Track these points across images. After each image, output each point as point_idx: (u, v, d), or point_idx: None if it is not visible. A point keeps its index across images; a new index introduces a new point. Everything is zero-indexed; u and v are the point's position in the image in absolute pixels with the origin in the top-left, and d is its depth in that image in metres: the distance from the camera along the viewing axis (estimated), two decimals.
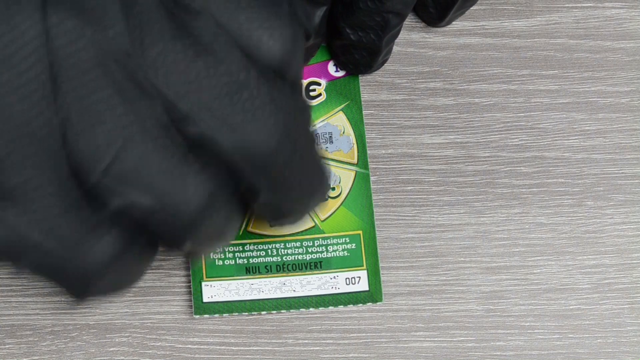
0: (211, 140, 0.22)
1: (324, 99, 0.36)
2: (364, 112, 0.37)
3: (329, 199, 0.35)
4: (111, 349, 0.35)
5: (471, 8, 0.37)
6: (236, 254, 0.35)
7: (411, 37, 0.37)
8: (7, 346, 0.35)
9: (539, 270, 0.36)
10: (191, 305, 0.35)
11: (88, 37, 0.21)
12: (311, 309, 0.35)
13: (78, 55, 0.21)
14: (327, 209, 0.35)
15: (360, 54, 0.34)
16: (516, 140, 0.37)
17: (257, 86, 0.22)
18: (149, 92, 0.22)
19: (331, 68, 0.36)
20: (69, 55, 0.21)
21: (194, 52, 0.22)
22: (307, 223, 0.35)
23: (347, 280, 0.35)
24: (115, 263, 0.23)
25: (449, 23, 0.37)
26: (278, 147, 0.23)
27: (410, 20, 0.37)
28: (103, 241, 0.22)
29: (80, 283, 0.23)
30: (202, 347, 0.35)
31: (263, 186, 0.24)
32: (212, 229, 0.24)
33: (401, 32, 0.37)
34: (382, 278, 0.35)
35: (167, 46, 0.22)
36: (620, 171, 0.37)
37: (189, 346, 0.35)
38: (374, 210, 0.36)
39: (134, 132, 0.21)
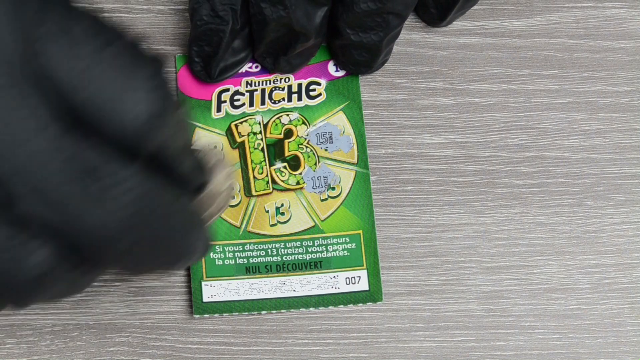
0: (42, 222, 0.21)
1: (324, 99, 0.36)
2: (364, 112, 0.37)
3: (329, 199, 0.35)
4: (111, 349, 0.35)
5: (471, 8, 0.37)
6: (236, 253, 0.35)
7: (411, 37, 0.37)
8: (7, 346, 0.35)
9: (539, 270, 0.36)
10: (191, 305, 0.35)
11: None
12: (311, 309, 0.35)
13: None
14: (327, 209, 0.35)
15: (361, 54, 0.34)
16: (516, 140, 0.37)
17: (99, 171, 0.20)
18: None
19: (331, 68, 0.36)
20: None
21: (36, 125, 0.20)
22: (306, 223, 0.35)
23: (347, 280, 0.35)
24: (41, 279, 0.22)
25: (449, 23, 0.37)
26: (118, 236, 0.21)
27: (410, 20, 0.37)
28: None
29: (16, 294, 0.22)
30: (202, 347, 0.35)
31: (107, 265, 0.23)
32: (57, 291, 0.23)
33: (401, 32, 0.37)
34: (382, 278, 0.35)
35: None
36: (620, 171, 0.37)
37: (189, 346, 0.35)
38: (374, 210, 0.36)
39: None
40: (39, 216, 0.20)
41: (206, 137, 0.36)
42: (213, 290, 0.35)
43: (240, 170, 0.36)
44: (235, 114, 0.36)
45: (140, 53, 0.21)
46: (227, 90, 0.36)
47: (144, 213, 0.21)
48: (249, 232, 0.35)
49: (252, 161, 0.36)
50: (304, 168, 0.36)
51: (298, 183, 0.35)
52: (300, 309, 0.35)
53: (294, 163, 0.36)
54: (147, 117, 0.21)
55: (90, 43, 0.20)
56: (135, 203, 0.21)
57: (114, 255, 0.22)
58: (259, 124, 0.36)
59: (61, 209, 0.20)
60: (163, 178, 0.22)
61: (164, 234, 0.23)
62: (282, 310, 0.35)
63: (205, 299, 0.34)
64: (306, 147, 0.36)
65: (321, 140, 0.36)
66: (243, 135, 0.36)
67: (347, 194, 0.35)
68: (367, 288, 0.35)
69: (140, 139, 0.21)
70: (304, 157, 0.36)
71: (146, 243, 0.22)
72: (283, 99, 0.36)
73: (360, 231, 0.35)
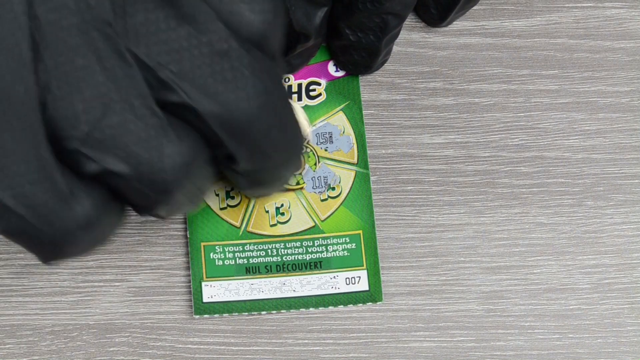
0: (191, 109, 0.23)
1: (324, 99, 0.36)
2: (364, 112, 0.37)
3: (329, 199, 0.35)
4: (111, 349, 0.35)
5: (471, 8, 0.37)
6: (236, 254, 0.35)
7: (411, 37, 0.37)
8: (7, 346, 0.35)
9: (539, 270, 0.36)
10: (191, 306, 0.35)
11: (70, 6, 0.22)
12: (311, 309, 0.35)
13: (60, 23, 0.21)
14: (327, 209, 0.35)
15: (360, 54, 0.34)
16: (516, 140, 0.37)
17: (237, 57, 0.23)
18: (129, 61, 0.22)
19: (331, 68, 0.36)
20: (51, 23, 0.21)
21: (176, 23, 0.22)
22: (306, 223, 0.35)
23: (347, 280, 0.35)
24: (86, 230, 0.23)
25: (449, 23, 0.37)
26: (257, 116, 0.23)
27: (410, 20, 0.37)
28: (76, 209, 0.23)
29: (50, 249, 0.24)
30: (202, 347, 0.35)
31: (241, 154, 0.24)
32: (185, 196, 0.24)
33: (401, 32, 0.37)
34: (382, 278, 0.35)
35: (149, 16, 0.22)
36: (620, 171, 0.37)
37: (189, 346, 0.35)
38: (374, 210, 0.36)
39: (114, 100, 0.22)
40: (189, 103, 0.22)
41: None
42: (213, 291, 0.35)
43: None
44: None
45: None
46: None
47: (271, 94, 0.23)
48: (248, 232, 0.35)
49: None
50: (304, 168, 0.36)
51: (298, 183, 0.35)
52: (300, 309, 0.35)
53: None
54: (272, 16, 0.24)
55: None
56: (266, 90, 0.23)
57: (252, 141, 0.24)
58: None
59: (208, 94, 0.22)
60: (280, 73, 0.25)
61: (286, 117, 0.24)
62: (282, 311, 0.35)
63: (205, 300, 0.34)
64: (306, 147, 0.36)
65: (321, 140, 0.36)
66: None
67: (347, 194, 0.35)
68: (367, 288, 0.35)
69: (265, 36, 0.24)
70: (303, 157, 0.36)
71: (276, 127, 0.24)
72: None
73: (360, 231, 0.35)
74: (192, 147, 0.23)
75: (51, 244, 0.23)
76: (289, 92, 0.36)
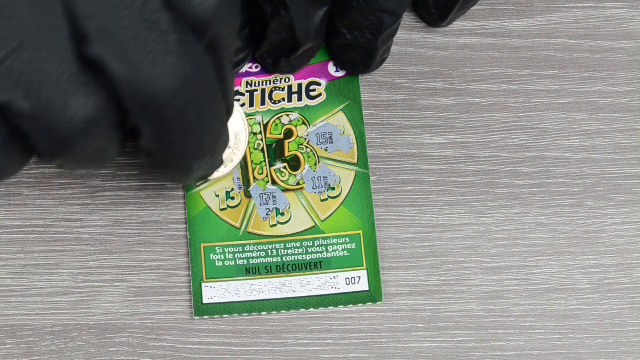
0: (106, 67, 0.22)
1: (324, 99, 0.36)
2: (364, 112, 0.37)
3: (329, 199, 0.35)
4: (111, 349, 0.35)
5: (471, 8, 0.37)
6: (236, 254, 0.35)
7: (411, 37, 0.37)
8: (7, 346, 0.35)
9: (539, 270, 0.36)
10: (191, 305, 0.35)
11: None
12: (311, 309, 0.35)
13: None
14: (327, 209, 0.35)
15: (357, 53, 0.34)
16: (516, 140, 0.37)
17: (166, 31, 0.22)
18: (56, 4, 0.22)
19: (331, 68, 0.36)
20: None
21: None
22: (306, 223, 0.35)
23: (347, 280, 0.35)
24: None
25: (449, 23, 0.37)
26: (170, 97, 0.23)
27: (410, 20, 0.37)
28: None
29: None
30: (202, 347, 0.35)
31: (146, 131, 0.24)
32: (85, 153, 0.24)
33: (401, 32, 0.37)
34: (382, 278, 0.35)
35: None
36: (620, 171, 0.37)
37: (189, 346, 0.35)
38: (374, 210, 0.36)
39: (32, 36, 0.22)
40: (104, 60, 0.22)
41: None
42: (213, 292, 0.35)
43: (240, 170, 0.36)
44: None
45: None
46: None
47: (193, 81, 0.23)
48: (248, 232, 0.35)
49: (252, 161, 0.36)
50: (304, 168, 0.36)
51: (298, 183, 0.35)
52: (300, 310, 0.35)
53: (294, 163, 0.36)
54: (221, 6, 0.23)
55: None
56: (187, 74, 0.23)
57: (160, 119, 0.23)
58: (259, 124, 0.36)
59: (125, 58, 0.22)
60: (213, 61, 0.24)
61: (205, 110, 0.24)
62: (282, 311, 0.35)
63: (205, 300, 0.34)
64: (306, 147, 0.36)
65: (321, 140, 0.36)
66: None
67: (347, 194, 0.35)
68: (367, 288, 0.35)
69: (207, 23, 0.23)
70: (303, 157, 0.36)
71: (189, 115, 0.24)
72: (283, 99, 0.36)
73: (360, 231, 0.35)
74: (99, 107, 0.23)
75: None
76: (289, 92, 0.36)
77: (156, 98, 0.23)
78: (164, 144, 0.25)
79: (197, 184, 0.32)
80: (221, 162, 0.29)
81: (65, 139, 0.23)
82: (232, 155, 0.30)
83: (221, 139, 0.27)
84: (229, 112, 0.28)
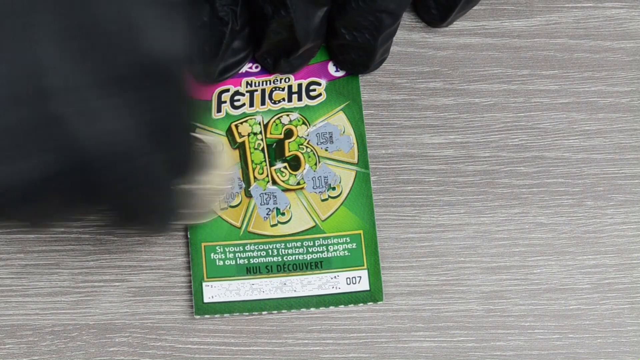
0: (64, 124, 0.21)
1: (324, 99, 0.36)
2: (364, 112, 0.37)
3: (330, 199, 0.35)
4: (111, 349, 0.35)
5: (471, 8, 0.37)
6: (237, 254, 0.35)
7: (411, 37, 0.37)
8: (7, 346, 0.35)
9: (539, 270, 0.36)
10: (192, 305, 0.35)
11: None
12: (311, 309, 0.35)
13: None
14: (327, 209, 0.35)
15: (357, 53, 0.34)
16: (516, 140, 0.37)
17: (129, 83, 0.21)
18: (24, 56, 0.21)
19: (331, 68, 0.36)
20: None
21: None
22: (307, 223, 0.35)
23: (348, 279, 0.35)
24: None
25: (450, 23, 0.37)
26: (133, 146, 0.22)
27: (410, 20, 0.37)
28: None
29: None
30: (202, 347, 0.35)
31: (106, 184, 0.23)
32: (45, 210, 0.24)
33: (401, 32, 0.37)
34: (383, 278, 0.35)
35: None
36: (620, 171, 0.37)
37: (189, 346, 0.35)
38: (375, 210, 0.36)
39: None
40: (62, 118, 0.21)
41: (210, 138, 0.36)
42: (214, 291, 0.35)
43: (240, 170, 0.36)
44: (236, 114, 0.36)
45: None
46: (227, 90, 0.36)
47: (156, 142, 0.22)
48: (249, 232, 0.35)
49: (252, 161, 0.36)
50: (305, 168, 0.36)
51: (298, 183, 0.35)
52: (301, 309, 0.35)
53: (295, 163, 0.36)
54: (179, 44, 0.22)
55: None
56: (152, 123, 0.22)
57: (118, 176, 0.23)
58: (259, 124, 0.36)
59: (88, 114, 0.21)
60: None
61: (150, 176, 0.23)
62: (283, 311, 0.35)
63: (206, 300, 0.34)
64: (306, 147, 0.36)
65: (321, 140, 0.36)
66: (243, 136, 0.36)
67: (348, 194, 0.35)
68: (367, 288, 0.35)
69: (163, 64, 0.22)
70: (304, 157, 0.36)
71: (134, 178, 0.23)
72: (283, 99, 0.36)
73: (361, 231, 0.35)
74: (55, 165, 0.22)
75: None
76: (289, 93, 0.36)
77: (118, 148, 0.22)
78: (127, 201, 0.24)
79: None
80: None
81: (17, 201, 0.22)
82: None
83: (178, 199, 0.26)
84: (178, 174, 0.27)
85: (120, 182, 0.23)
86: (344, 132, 0.36)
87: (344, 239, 0.35)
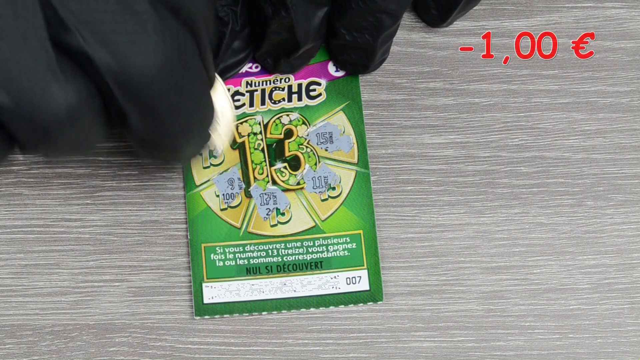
0: (86, 56, 0.22)
1: (324, 99, 0.36)
2: (364, 112, 0.37)
3: (330, 199, 0.35)
4: (111, 349, 0.35)
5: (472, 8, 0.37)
6: (237, 254, 0.35)
7: (411, 37, 0.37)
8: (7, 346, 0.35)
9: (539, 270, 0.36)
10: (191, 305, 0.35)
11: None
12: (311, 309, 0.35)
13: None
14: (327, 209, 0.35)
15: (357, 54, 0.34)
16: (516, 140, 0.37)
17: (144, 12, 0.22)
18: None
19: (331, 68, 0.36)
20: None
21: None
22: (307, 223, 0.35)
23: (348, 279, 0.35)
24: None
25: (450, 24, 0.37)
26: (154, 77, 0.23)
27: (410, 20, 0.37)
28: None
29: None
30: (202, 347, 0.35)
31: (133, 113, 0.24)
32: (69, 141, 0.24)
33: (401, 32, 0.37)
34: (382, 278, 0.36)
35: None
36: (620, 171, 0.37)
37: (189, 346, 0.35)
38: (375, 210, 0.36)
39: (8, 26, 0.21)
40: (83, 46, 0.22)
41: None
42: (214, 292, 0.35)
43: (240, 170, 0.36)
44: (236, 114, 0.36)
45: None
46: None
47: (173, 58, 0.23)
48: (249, 232, 0.35)
49: (252, 161, 0.36)
50: (305, 168, 0.36)
51: (298, 183, 0.35)
52: (301, 310, 0.35)
53: (295, 163, 0.36)
54: None
55: None
56: (169, 54, 0.23)
57: (144, 100, 0.23)
58: (259, 124, 0.36)
59: (104, 42, 0.22)
60: (191, 36, 0.24)
61: (188, 90, 0.24)
62: (283, 311, 0.35)
63: (206, 301, 0.34)
64: (306, 147, 0.36)
65: (321, 140, 0.36)
66: (243, 136, 0.36)
67: (348, 194, 0.35)
68: (367, 288, 0.35)
69: (181, 3, 0.23)
70: (304, 157, 0.36)
71: (173, 92, 0.24)
72: (283, 99, 0.36)
73: (361, 231, 0.35)
74: (81, 92, 0.23)
75: None
76: (289, 93, 0.36)
77: (138, 79, 0.23)
78: (151, 124, 0.24)
79: (189, 160, 0.32)
80: (209, 136, 0.29)
81: (48, 129, 0.23)
82: (217, 126, 0.30)
83: (207, 112, 0.26)
84: (210, 85, 0.28)
85: (150, 93, 0.24)
86: (344, 132, 0.36)
87: (344, 239, 0.35)
